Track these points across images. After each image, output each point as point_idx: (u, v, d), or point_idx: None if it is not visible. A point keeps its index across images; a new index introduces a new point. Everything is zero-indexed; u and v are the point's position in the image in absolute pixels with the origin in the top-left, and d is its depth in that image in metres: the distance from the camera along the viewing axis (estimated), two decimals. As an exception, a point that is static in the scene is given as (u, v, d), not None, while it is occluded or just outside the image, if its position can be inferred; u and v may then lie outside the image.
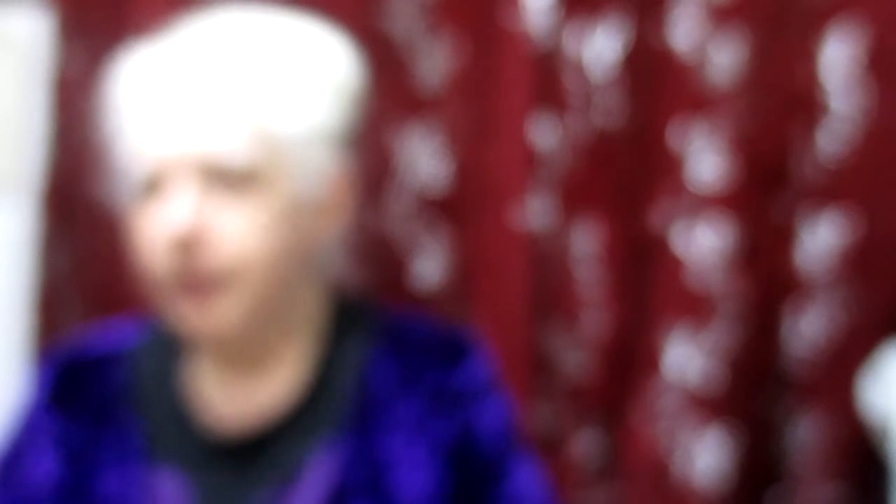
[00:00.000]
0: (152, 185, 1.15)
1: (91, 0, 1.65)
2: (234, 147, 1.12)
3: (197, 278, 1.13)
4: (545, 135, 1.51)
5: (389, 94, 1.52)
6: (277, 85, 1.15)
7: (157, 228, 1.14)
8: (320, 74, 1.19)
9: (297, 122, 1.15)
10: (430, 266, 1.55)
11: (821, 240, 1.46)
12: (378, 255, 1.54)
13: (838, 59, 1.46)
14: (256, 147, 1.13)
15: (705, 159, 1.47)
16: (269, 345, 1.22)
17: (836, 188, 1.46)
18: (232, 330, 1.16)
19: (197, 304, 1.14)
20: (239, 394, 1.23)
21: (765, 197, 1.47)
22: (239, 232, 1.13)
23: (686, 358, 1.47)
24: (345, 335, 1.25)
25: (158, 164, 1.14)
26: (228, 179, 1.13)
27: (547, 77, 1.51)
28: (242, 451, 1.20)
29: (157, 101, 1.14)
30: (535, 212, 1.51)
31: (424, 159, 1.55)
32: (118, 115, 1.18)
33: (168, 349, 1.27)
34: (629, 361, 1.50)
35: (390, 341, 1.25)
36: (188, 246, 1.12)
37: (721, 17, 1.47)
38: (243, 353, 1.22)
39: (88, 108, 1.64)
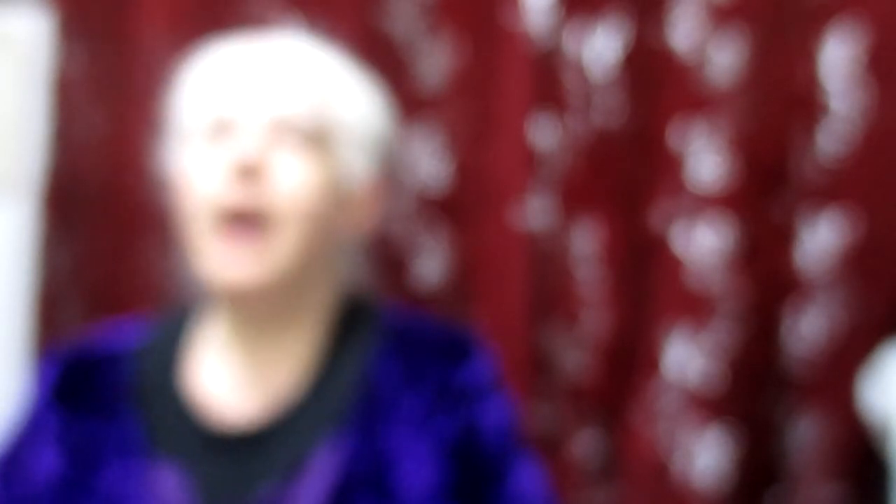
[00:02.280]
0: (221, 130, 1.21)
1: (91, 0, 1.65)
2: (299, 109, 1.22)
3: (248, 211, 1.18)
4: (545, 135, 1.51)
5: (390, 94, 1.52)
6: (340, 82, 1.27)
7: (223, 158, 1.20)
8: (369, 89, 1.30)
9: (351, 113, 1.26)
10: (430, 266, 1.56)
11: (821, 240, 1.46)
12: (379, 254, 1.55)
13: (838, 59, 1.46)
14: (316, 117, 1.23)
15: (705, 159, 1.47)
16: (282, 322, 1.23)
17: (835, 188, 1.46)
18: (259, 278, 1.18)
19: (236, 244, 1.18)
20: (243, 388, 1.23)
21: (765, 197, 1.47)
22: (295, 179, 1.20)
23: (686, 358, 1.47)
24: (350, 332, 1.26)
25: (233, 114, 1.22)
26: (292, 137, 1.21)
27: (547, 77, 1.51)
28: (246, 445, 1.21)
29: (241, 67, 1.25)
30: (535, 212, 1.51)
31: (425, 159, 1.55)
32: (200, 79, 1.26)
33: (171, 347, 1.28)
34: (629, 361, 1.50)
35: (395, 339, 1.26)
36: (250, 174, 1.18)
37: (721, 18, 1.47)
38: (257, 324, 1.23)
39: (89, 106, 1.65)
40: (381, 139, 1.30)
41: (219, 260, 1.19)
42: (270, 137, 1.21)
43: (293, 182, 1.20)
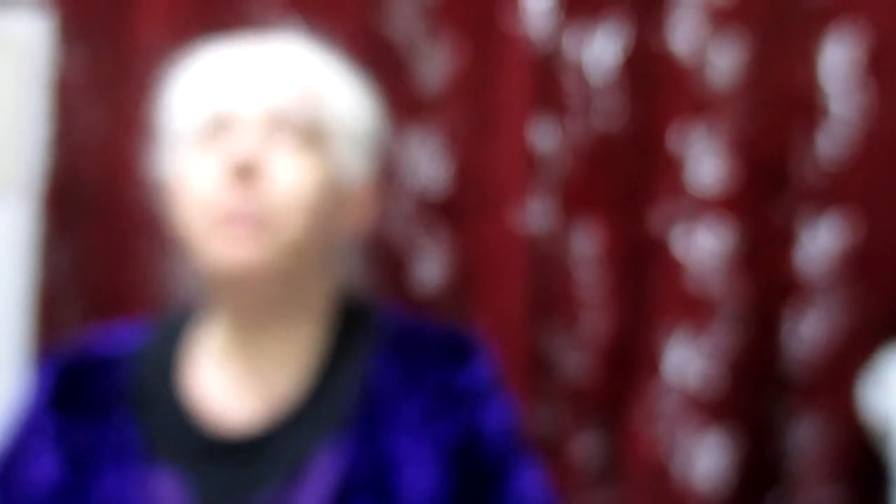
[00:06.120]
0: (218, 129, 1.21)
1: (91, 2, 1.65)
2: (295, 101, 1.22)
3: (243, 210, 1.18)
4: (545, 137, 1.51)
5: (390, 96, 1.52)
6: (334, 80, 1.27)
7: (219, 159, 1.19)
8: (361, 89, 1.30)
9: (345, 111, 1.26)
10: (430, 268, 1.56)
11: (821, 242, 1.46)
12: (379, 256, 1.55)
13: (838, 61, 1.46)
14: (312, 110, 1.23)
15: (705, 162, 1.47)
16: (280, 324, 1.23)
17: (836, 191, 1.46)
18: (257, 265, 1.18)
19: (233, 235, 1.18)
20: (242, 392, 1.23)
21: (765, 200, 1.47)
22: (291, 178, 1.20)
23: (686, 360, 1.47)
24: (350, 335, 1.26)
25: (229, 111, 1.22)
26: (288, 134, 1.21)
27: (547, 80, 1.51)
28: (245, 449, 1.21)
29: (236, 65, 1.25)
30: (535, 214, 1.51)
31: (425, 161, 1.55)
32: (193, 78, 1.26)
33: (170, 351, 1.28)
34: (629, 363, 1.50)
35: (395, 341, 1.26)
36: (247, 174, 1.18)
37: (721, 20, 1.47)
38: (255, 326, 1.23)
39: (88, 107, 1.65)
40: (375, 139, 1.30)
41: (218, 247, 1.19)
42: (267, 135, 1.20)
43: (291, 181, 1.19)
